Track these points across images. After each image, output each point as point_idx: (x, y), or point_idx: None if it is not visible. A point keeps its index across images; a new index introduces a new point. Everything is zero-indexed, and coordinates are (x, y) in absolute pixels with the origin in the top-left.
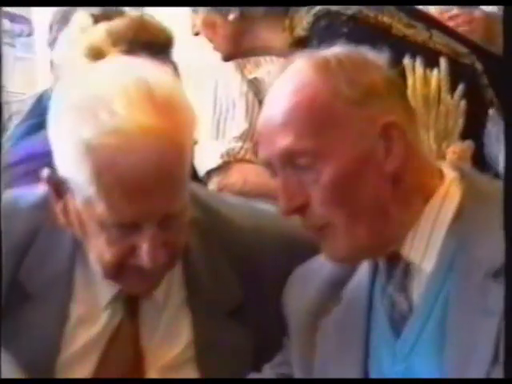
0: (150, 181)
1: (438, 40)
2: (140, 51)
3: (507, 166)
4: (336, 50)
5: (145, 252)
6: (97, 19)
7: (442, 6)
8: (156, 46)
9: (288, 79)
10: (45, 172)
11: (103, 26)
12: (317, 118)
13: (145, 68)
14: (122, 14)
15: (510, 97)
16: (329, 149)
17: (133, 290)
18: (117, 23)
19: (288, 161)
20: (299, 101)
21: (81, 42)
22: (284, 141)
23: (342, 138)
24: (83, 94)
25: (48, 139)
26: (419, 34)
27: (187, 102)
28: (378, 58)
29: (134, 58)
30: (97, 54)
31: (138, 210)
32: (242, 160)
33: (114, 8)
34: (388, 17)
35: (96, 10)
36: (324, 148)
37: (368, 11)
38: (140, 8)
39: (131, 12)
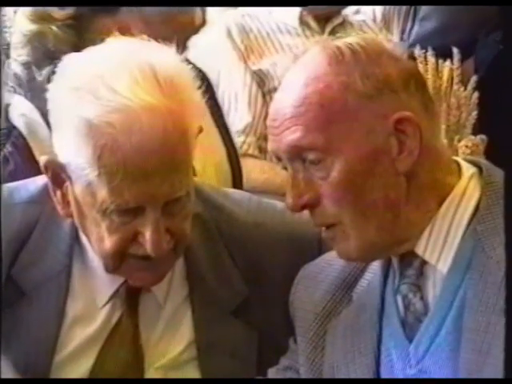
0: (154, 162)
1: None
2: (86, 12)
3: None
4: (352, 40)
5: (148, 238)
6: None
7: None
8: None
9: (300, 70)
10: (43, 159)
11: None
12: (327, 111)
13: (148, 49)
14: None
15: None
16: (339, 144)
17: (137, 282)
18: None
19: (297, 155)
20: (309, 93)
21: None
22: (293, 135)
23: (353, 133)
24: (83, 74)
25: None
26: None
27: (193, 83)
28: (396, 48)
29: (136, 40)
30: (44, 18)
31: (141, 193)
32: (245, 155)
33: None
34: None
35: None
36: (334, 143)
37: None
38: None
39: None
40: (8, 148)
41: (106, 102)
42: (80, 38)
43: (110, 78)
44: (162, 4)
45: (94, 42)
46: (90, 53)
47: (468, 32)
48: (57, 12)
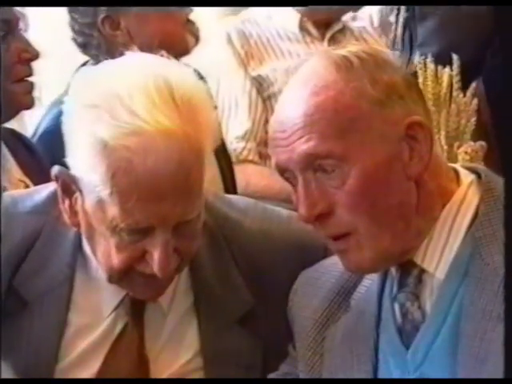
0: (168, 185)
1: None
2: None
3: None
4: (356, 48)
5: (156, 258)
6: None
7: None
8: None
9: (305, 79)
10: (55, 169)
11: None
12: (342, 118)
13: (166, 67)
14: None
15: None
16: (354, 151)
17: (138, 296)
18: None
19: (309, 165)
20: (321, 101)
21: None
22: (307, 144)
23: (368, 140)
24: (100, 92)
25: None
26: None
27: (210, 104)
28: (395, 58)
29: (154, 56)
30: None
31: (152, 215)
32: (245, 161)
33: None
34: None
35: None
36: (350, 150)
37: None
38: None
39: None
40: None
41: (123, 124)
42: None
43: (127, 98)
44: (162, 4)
45: None
46: (107, 68)
47: (473, 53)
48: None
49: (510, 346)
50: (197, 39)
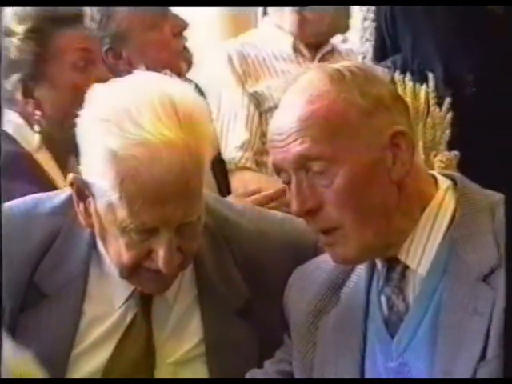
0: (171, 190)
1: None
2: (46, 26)
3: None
4: (346, 63)
5: (161, 256)
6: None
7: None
8: (61, 19)
9: (302, 89)
10: (70, 176)
11: (11, 8)
12: (333, 125)
13: (169, 84)
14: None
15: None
16: (343, 154)
17: (146, 290)
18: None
19: (302, 165)
20: (316, 109)
21: None
22: (301, 146)
23: (355, 145)
24: (111, 107)
25: None
26: None
27: (209, 117)
28: (383, 72)
29: (159, 75)
30: (7, 34)
31: (157, 217)
32: (243, 168)
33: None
34: None
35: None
36: (338, 153)
37: None
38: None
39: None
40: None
41: (131, 136)
42: (42, 47)
43: (135, 113)
44: (162, 4)
45: (55, 52)
46: (117, 85)
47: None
48: (18, 26)
49: (510, 345)
50: (190, 65)
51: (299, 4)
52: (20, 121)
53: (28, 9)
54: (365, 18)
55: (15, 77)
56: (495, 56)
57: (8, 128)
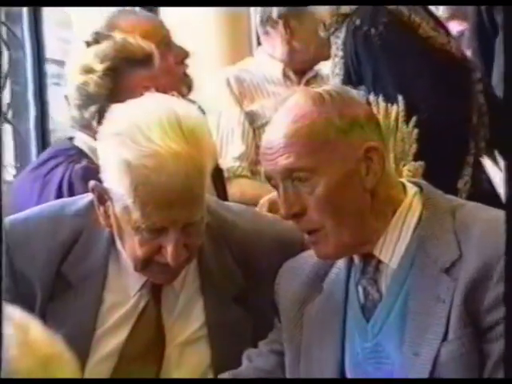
0: (176, 196)
1: (454, 45)
2: (122, 66)
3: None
4: (327, 88)
5: (169, 252)
6: (89, 44)
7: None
8: (135, 60)
9: (288, 110)
10: (91, 183)
11: (92, 49)
12: (314, 142)
13: (176, 104)
14: (109, 37)
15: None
16: (323, 167)
17: (157, 281)
18: (103, 45)
19: (288, 176)
20: (299, 127)
21: (75, 62)
22: (287, 160)
23: (333, 159)
24: (125, 123)
25: None
26: (441, 37)
27: (209, 132)
28: (358, 95)
29: (167, 96)
30: (88, 71)
31: (165, 218)
32: (240, 176)
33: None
34: (419, 18)
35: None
36: (319, 166)
37: (403, 8)
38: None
39: (117, 35)
40: (82, 163)
41: (142, 148)
42: (115, 84)
43: (146, 129)
44: (162, 4)
45: (126, 88)
46: (132, 105)
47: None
48: (97, 65)
49: (510, 345)
50: (190, 89)
51: (299, 4)
52: (94, 143)
53: (106, 50)
54: (335, 55)
55: (93, 108)
56: (440, 87)
57: (84, 148)
